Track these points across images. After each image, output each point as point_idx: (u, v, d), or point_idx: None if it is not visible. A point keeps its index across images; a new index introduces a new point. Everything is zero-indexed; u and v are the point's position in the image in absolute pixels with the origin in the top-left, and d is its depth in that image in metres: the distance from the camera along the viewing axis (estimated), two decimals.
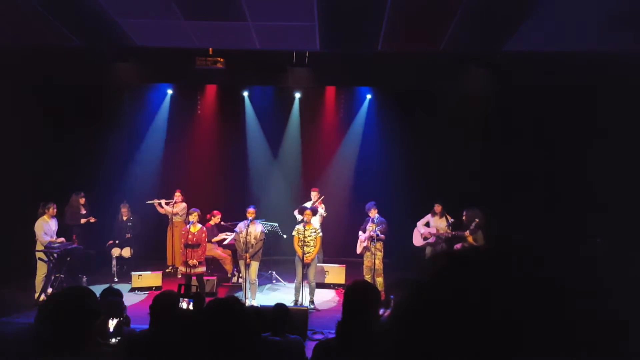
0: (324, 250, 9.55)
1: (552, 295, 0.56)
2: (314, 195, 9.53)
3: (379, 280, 7.91)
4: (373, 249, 7.99)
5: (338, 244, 10.00)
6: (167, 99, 11.03)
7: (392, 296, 0.63)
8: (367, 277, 7.90)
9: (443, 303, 0.57)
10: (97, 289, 3.32)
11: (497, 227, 7.90)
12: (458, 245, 8.19)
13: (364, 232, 8.25)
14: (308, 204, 9.30)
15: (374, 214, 8.10)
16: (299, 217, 8.75)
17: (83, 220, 8.80)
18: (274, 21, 6.76)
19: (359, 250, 8.38)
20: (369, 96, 10.99)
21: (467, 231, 7.95)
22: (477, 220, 7.90)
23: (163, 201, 9.86)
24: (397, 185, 10.39)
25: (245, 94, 11.15)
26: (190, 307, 5.04)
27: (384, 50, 7.53)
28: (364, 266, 8.22)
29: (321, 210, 9.41)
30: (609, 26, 6.27)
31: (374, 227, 8.02)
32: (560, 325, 0.54)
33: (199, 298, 4.39)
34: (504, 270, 0.60)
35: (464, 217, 8.13)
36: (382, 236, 7.97)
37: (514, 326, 0.54)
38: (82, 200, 8.85)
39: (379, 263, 8.01)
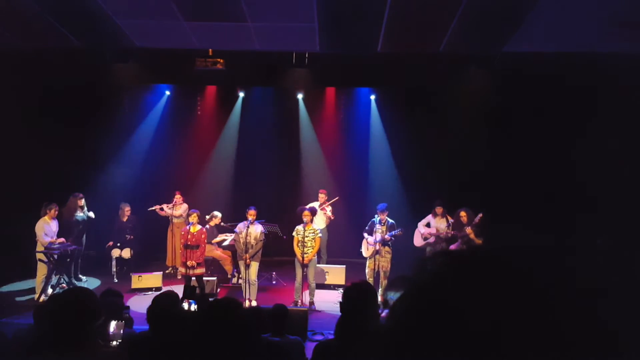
0: (328, 252, 9.57)
1: (552, 297, 0.56)
2: (321, 196, 9.55)
3: (386, 283, 7.87)
4: (383, 252, 7.94)
5: (338, 245, 10.00)
6: (166, 99, 11.03)
7: (390, 296, 0.63)
8: (370, 281, 7.82)
9: (440, 303, 0.57)
10: (97, 290, 3.32)
11: (497, 227, 7.89)
12: (454, 246, 8.18)
13: (370, 234, 8.06)
14: (315, 204, 9.34)
15: (384, 216, 8.01)
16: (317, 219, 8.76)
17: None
18: (274, 22, 6.77)
19: (367, 253, 8.17)
20: (372, 97, 10.99)
21: (469, 227, 7.93)
22: (480, 215, 7.89)
23: (165, 205, 9.86)
24: (398, 185, 10.40)
25: (241, 94, 11.15)
26: (193, 308, 5.03)
27: (383, 51, 7.53)
28: (368, 269, 8.10)
29: (328, 212, 9.42)
30: (608, 26, 6.28)
31: (384, 229, 7.94)
32: (559, 327, 0.54)
33: (202, 300, 4.38)
34: (503, 270, 0.60)
35: (463, 218, 8.11)
36: (393, 239, 7.90)
37: (512, 327, 0.54)
38: (80, 202, 8.84)
39: (387, 265, 7.95)
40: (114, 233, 9.51)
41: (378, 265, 7.98)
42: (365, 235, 8.23)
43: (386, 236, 7.86)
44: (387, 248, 7.94)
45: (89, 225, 9.06)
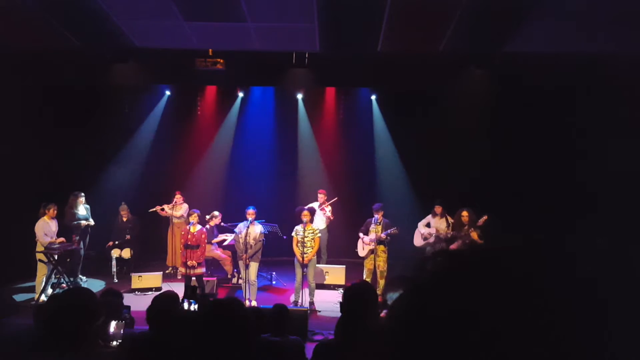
0: (328, 252, 9.56)
1: (551, 296, 0.56)
2: (320, 197, 9.56)
3: (383, 282, 7.88)
4: (379, 252, 7.95)
5: (339, 245, 10.00)
6: (166, 99, 11.03)
7: (389, 296, 0.63)
8: (368, 280, 7.84)
9: (440, 302, 0.57)
10: (97, 290, 3.32)
11: (497, 227, 7.88)
12: (454, 246, 8.16)
13: (366, 233, 8.14)
14: (315, 205, 9.35)
15: (380, 215, 8.05)
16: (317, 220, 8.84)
17: (83, 223, 8.74)
18: (274, 22, 6.78)
19: (363, 253, 8.24)
20: (373, 97, 10.99)
21: (473, 228, 7.91)
22: (485, 217, 7.87)
23: (165, 206, 9.85)
24: (398, 185, 10.39)
25: (241, 94, 11.14)
26: (193, 308, 5.04)
27: (383, 51, 7.53)
28: (366, 269, 8.14)
29: (328, 212, 9.42)
30: (608, 27, 6.28)
31: (379, 228, 7.96)
32: (559, 327, 0.54)
33: (203, 300, 4.38)
34: (503, 270, 0.60)
35: (464, 217, 8.09)
36: (389, 238, 7.94)
37: (511, 327, 0.54)
38: (81, 200, 8.83)
39: (384, 265, 7.98)
40: (114, 233, 9.52)
41: (375, 264, 8.01)
42: (361, 234, 8.28)
43: (382, 235, 7.88)
44: (382, 247, 7.98)
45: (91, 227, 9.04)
